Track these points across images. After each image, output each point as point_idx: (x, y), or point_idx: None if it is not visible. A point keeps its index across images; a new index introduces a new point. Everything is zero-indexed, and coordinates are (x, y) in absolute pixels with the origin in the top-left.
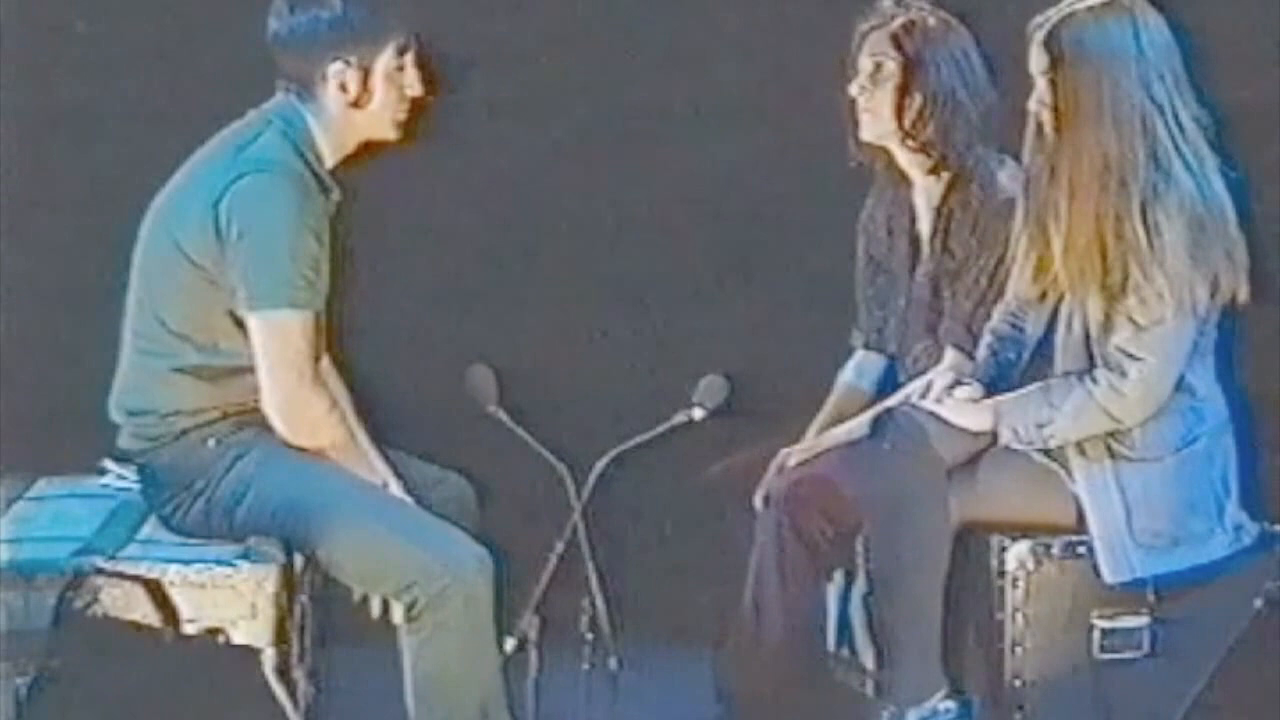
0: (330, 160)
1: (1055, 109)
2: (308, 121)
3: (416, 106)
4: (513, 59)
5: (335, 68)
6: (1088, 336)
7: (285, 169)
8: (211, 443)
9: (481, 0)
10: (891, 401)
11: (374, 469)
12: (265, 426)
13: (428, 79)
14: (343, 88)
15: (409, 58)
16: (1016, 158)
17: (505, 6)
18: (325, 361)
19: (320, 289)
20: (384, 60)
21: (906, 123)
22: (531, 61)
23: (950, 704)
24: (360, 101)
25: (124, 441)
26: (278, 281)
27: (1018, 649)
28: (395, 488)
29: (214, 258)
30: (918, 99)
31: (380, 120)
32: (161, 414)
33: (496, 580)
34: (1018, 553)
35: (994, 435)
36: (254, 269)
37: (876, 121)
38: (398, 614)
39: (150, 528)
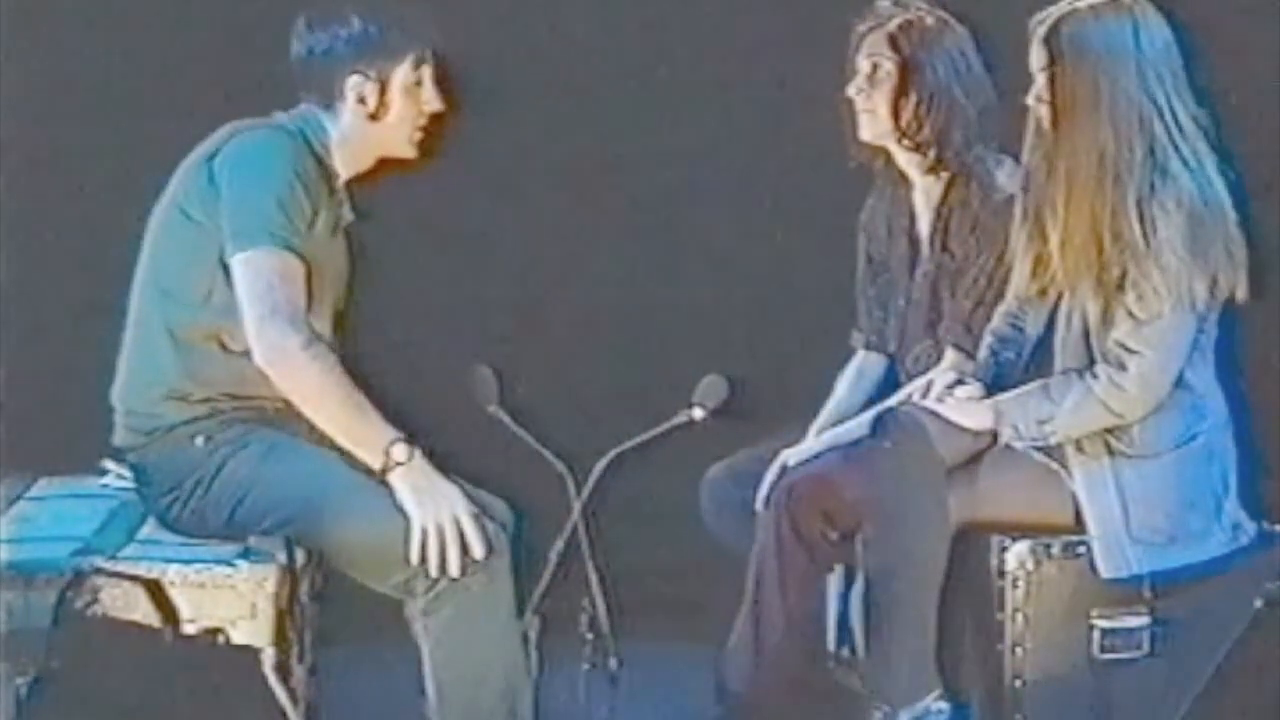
0: (345, 172)
1: (1053, 105)
2: (328, 129)
3: (435, 123)
4: (509, 65)
5: (353, 80)
6: (1087, 334)
7: (284, 130)
8: (200, 440)
9: (490, 12)
10: (892, 401)
11: (373, 425)
12: (253, 422)
13: (446, 95)
14: (361, 100)
15: (426, 72)
16: (1016, 157)
17: (509, 19)
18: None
19: (305, 233)
20: (401, 73)
21: (903, 122)
22: (530, 65)
23: (943, 705)
24: (379, 114)
25: (117, 438)
26: (255, 218)
27: (1018, 649)
28: (402, 450)
29: (209, 209)
30: (914, 99)
31: (398, 134)
32: (150, 409)
33: (514, 551)
34: (1018, 553)
35: (994, 435)
36: (236, 209)
37: (874, 122)
38: (414, 604)
39: (150, 528)
